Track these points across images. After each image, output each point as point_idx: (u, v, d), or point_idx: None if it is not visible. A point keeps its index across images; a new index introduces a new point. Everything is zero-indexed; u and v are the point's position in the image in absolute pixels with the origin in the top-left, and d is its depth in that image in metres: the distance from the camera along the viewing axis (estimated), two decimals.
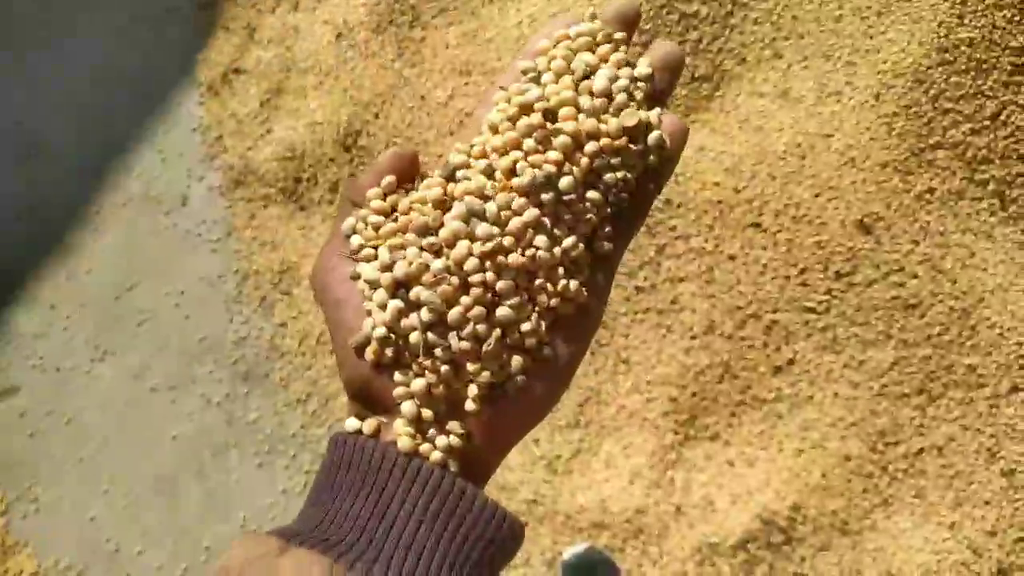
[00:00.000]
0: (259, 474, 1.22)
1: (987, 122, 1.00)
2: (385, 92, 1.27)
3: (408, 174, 0.38)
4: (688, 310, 1.07)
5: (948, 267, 1.00)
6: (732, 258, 1.06)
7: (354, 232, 0.38)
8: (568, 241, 0.35)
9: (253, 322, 1.28)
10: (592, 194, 0.36)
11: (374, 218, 0.37)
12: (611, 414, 1.08)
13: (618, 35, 0.39)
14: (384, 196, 0.38)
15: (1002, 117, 1.00)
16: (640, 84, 0.37)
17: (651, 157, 0.37)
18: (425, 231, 0.36)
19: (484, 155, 0.37)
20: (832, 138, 1.04)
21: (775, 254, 1.04)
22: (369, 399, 0.36)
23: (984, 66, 1.00)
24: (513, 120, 0.37)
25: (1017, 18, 0.99)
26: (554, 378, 0.36)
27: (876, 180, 1.01)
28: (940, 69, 1.01)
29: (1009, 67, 1.00)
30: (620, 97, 0.37)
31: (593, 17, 0.38)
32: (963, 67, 1.00)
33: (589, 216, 0.36)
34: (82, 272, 1.33)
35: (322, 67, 1.33)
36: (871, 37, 1.05)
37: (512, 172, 0.36)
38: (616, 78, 0.37)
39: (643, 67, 0.38)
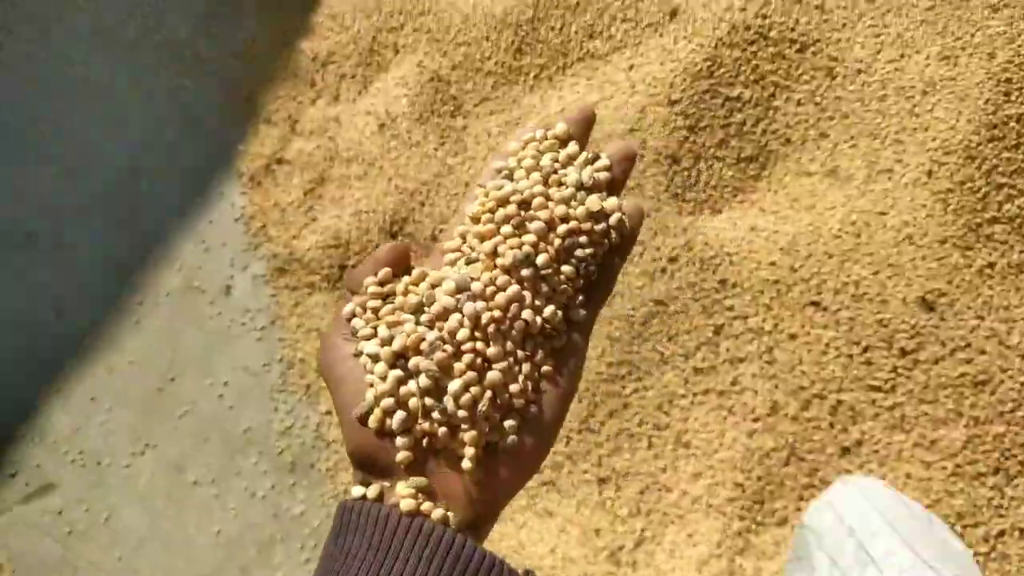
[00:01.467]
0: (306, 570, 1.17)
1: None
2: (429, 180, 1.27)
3: (402, 264, 0.44)
4: (750, 391, 1.05)
5: (1015, 342, 0.97)
6: (793, 337, 1.04)
7: (354, 316, 0.42)
8: (548, 310, 0.41)
9: (298, 411, 1.25)
10: (566, 268, 0.42)
11: (372, 302, 0.42)
12: (673, 501, 1.04)
13: (574, 138, 0.47)
14: (381, 284, 0.43)
15: None
16: (600, 175, 0.44)
17: (613, 235, 0.43)
18: (419, 308, 0.41)
19: (465, 241, 0.44)
20: (887, 216, 1.03)
21: (837, 333, 1.02)
22: (373, 467, 0.39)
23: None
24: (492, 211, 0.43)
25: None
26: (542, 434, 0.40)
27: (935, 256, 1.00)
28: (991, 145, 1.01)
29: None
30: (585, 186, 0.44)
31: (551, 125, 0.47)
32: (1013, 142, 1.00)
33: (564, 287, 0.42)
34: (123, 364, 1.31)
35: (365, 157, 1.33)
36: (917, 115, 1.06)
37: (494, 254, 0.42)
38: (581, 170, 0.44)
39: (602, 160, 0.45)
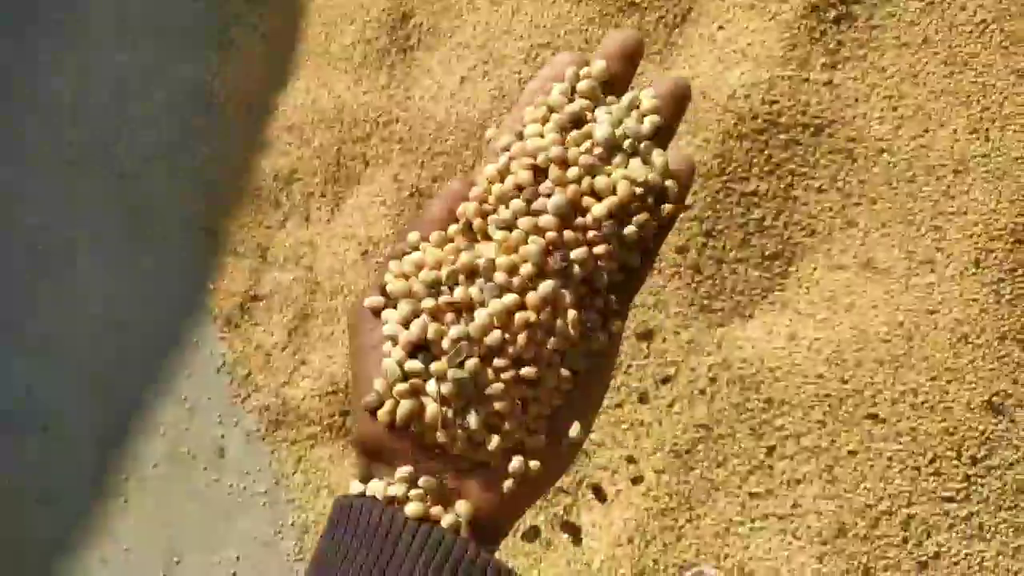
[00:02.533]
0: None
1: None
2: None
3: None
4: (813, 513, 0.97)
5: None
6: (852, 453, 0.96)
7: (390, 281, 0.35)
8: (590, 315, 0.34)
9: None
10: (600, 250, 0.34)
11: (408, 264, 0.35)
12: None
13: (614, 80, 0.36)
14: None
15: None
16: (644, 126, 0.35)
17: (663, 208, 0.34)
18: (437, 286, 0.34)
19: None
20: (937, 314, 0.95)
21: (899, 445, 0.94)
22: (380, 457, 0.34)
23: None
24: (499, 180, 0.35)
25: None
26: (568, 445, 0.34)
27: (995, 355, 0.93)
28: None
29: None
30: (627, 145, 0.34)
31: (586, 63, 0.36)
32: None
33: (601, 275, 0.34)
34: (118, 553, 1.18)
35: (351, 287, 1.22)
36: (952, 197, 0.98)
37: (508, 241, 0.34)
38: (619, 123, 0.35)
39: (648, 101, 0.35)
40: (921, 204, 0.99)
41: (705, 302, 1.03)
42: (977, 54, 1.00)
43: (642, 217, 0.34)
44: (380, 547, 0.32)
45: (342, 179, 1.28)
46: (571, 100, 0.36)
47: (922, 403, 0.94)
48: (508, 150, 0.35)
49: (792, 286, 1.03)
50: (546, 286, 0.33)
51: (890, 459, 0.94)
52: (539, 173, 0.34)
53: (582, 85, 0.36)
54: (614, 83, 0.36)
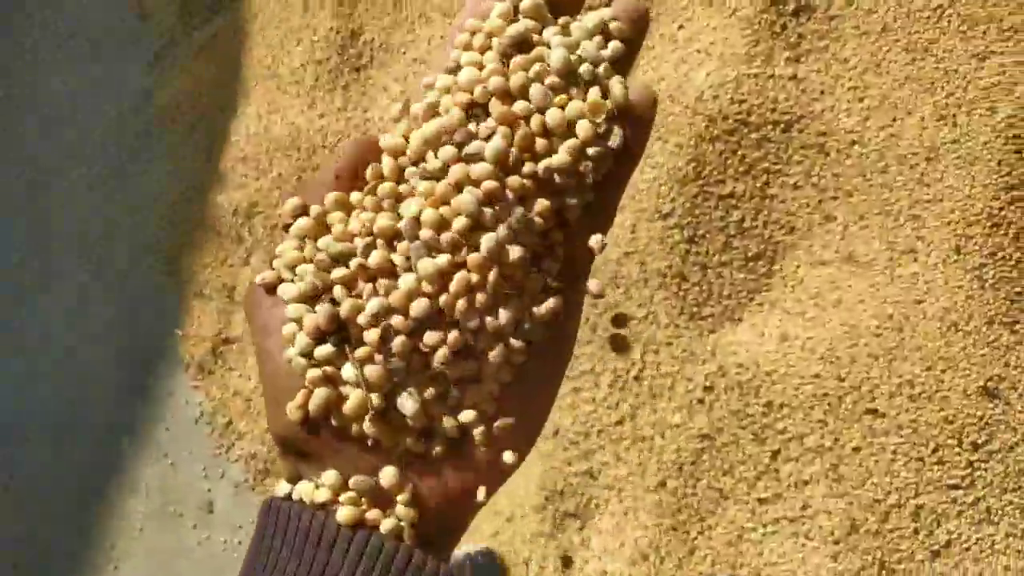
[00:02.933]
0: None
1: None
2: None
3: (373, 172, 0.30)
4: (823, 513, 0.97)
5: None
6: (856, 450, 0.96)
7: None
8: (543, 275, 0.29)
9: None
10: (543, 204, 0.28)
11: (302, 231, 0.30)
12: None
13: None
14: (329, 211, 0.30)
15: None
16: (604, 51, 0.29)
17: (617, 140, 0.28)
18: (345, 256, 0.29)
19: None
20: (924, 303, 0.96)
21: (901, 438, 0.95)
22: (306, 456, 0.29)
23: None
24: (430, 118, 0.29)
25: None
26: (526, 422, 0.29)
27: (986, 341, 0.94)
28: (1012, 208, 0.94)
29: None
30: (584, 71, 0.29)
31: None
32: None
33: (542, 225, 0.29)
34: None
35: None
36: (927, 185, 0.98)
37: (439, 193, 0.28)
38: (576, 46, 0.29)
39: (608, 19, 0.30)
40: (897, 194, 0.99)
41: (695, 309, 1.02)
42: (936, 40, 1.00)
43: (601, 162, 0.29)
44: (312, 555, 0.28)
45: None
46: (513, 21, 0.30)
47: (919, 394, 0.94)
48: (433, 87, 0.30)
49: (778, 285, 1.02)
50: (489, 239, 0.28)
51: (894, 452, 0.95)
52: (472, 111, 0.29)
53: (526, 3, 0.30)
54: (562, 2, 0.31)
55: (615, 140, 0.29)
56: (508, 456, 0.30)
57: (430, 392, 0.29)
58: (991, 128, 0.95)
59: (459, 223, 0.28)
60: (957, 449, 0.94)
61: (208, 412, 1.20)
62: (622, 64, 0.30)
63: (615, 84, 0.29)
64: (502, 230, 0.28)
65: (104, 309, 1.26)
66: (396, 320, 0.28)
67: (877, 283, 0.98)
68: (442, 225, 0.28)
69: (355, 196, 0.30)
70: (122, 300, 1.26)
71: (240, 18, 1.30)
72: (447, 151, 0.28)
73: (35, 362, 1.23)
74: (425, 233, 0.28)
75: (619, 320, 1.04)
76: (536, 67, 0.29)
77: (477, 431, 0.29)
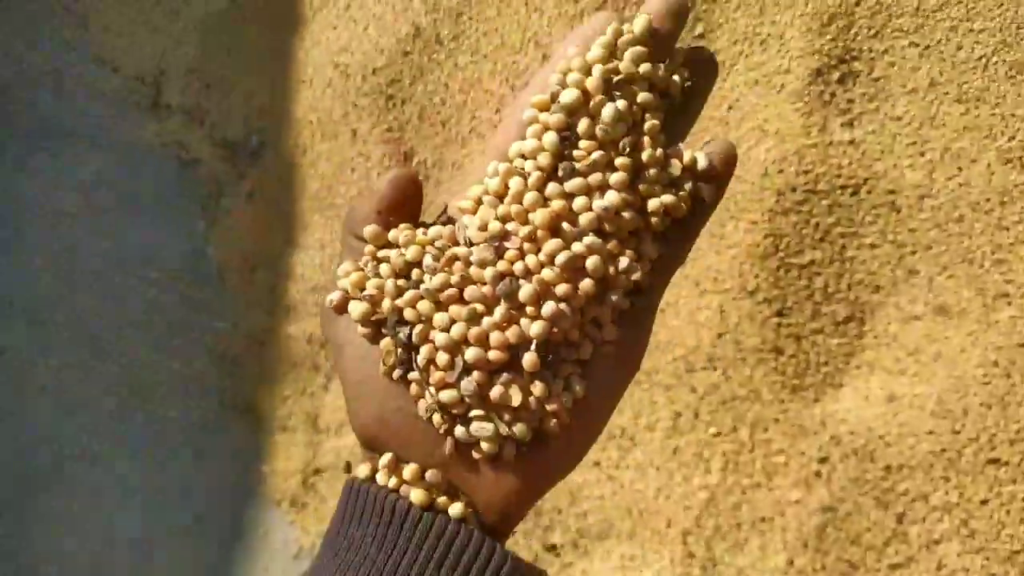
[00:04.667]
0: None
1: None
2: None
3: (414, 203, 0.35)
4: (960, 572, 0.94)
5: None
6: (984, 503, 0.94)
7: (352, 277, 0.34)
8: (623, 263, 0.32)
9: None
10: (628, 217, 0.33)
11: (370, 266, 0.34)
12: None
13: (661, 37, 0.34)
14: (379, 239, 0.34)
15: None
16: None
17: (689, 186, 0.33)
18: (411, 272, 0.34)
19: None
20: None
21: None
22: (384, 447, 0.33)
23: None
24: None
25: None
26: (593, 417, 0.33)
27: None
28: None
29: None
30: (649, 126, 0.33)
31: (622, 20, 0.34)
32: None
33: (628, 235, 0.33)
34: None
35: None
36: (1006, 228, 0.99)
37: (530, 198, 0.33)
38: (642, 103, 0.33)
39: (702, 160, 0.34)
40: (977, 241, 0.99)
41: (795, 382, 1.01)
42: (987, 87, 1.02)
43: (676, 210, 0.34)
44: (384, 535, 0.31)
45: None
46: (611, 57, 0.33)
47: None
48: (538, 110, 0.34)
49: (873, 346, 1.02)
50: (586, 285, 0.32)
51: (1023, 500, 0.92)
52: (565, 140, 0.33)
53: (628, 51, 0.33)
54: (660, 44, 0.34)
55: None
56: (577, 437, 0.34)
57: (504, 417, 0.32)
58: None
59: (561, 259, 0.32)
60: None
61: (307, 547, 1.17)
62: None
63: (700, 156, 0.34)
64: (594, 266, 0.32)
65: (179, 460, 1.25)
66: (473, 354, 0.32)
67: (974, 331, 0.98)
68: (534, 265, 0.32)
69: (434, 230, 0.34)
70: (198, 445, 1.25)
71: (288, 157, 1.33)
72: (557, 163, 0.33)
73: (111, 533, 1.21)
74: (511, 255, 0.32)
75: None
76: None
77: (543, 438, 0.33)
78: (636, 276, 0.33)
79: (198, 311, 1.33)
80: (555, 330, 0.32)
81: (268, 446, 1.24)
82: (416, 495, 0.32)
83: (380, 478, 0.33)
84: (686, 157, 0.34)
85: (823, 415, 1.00)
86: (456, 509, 0.32)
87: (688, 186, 0.33)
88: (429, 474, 0.33)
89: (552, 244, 0.32)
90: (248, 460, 1.24)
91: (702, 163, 0.33)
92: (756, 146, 1.07)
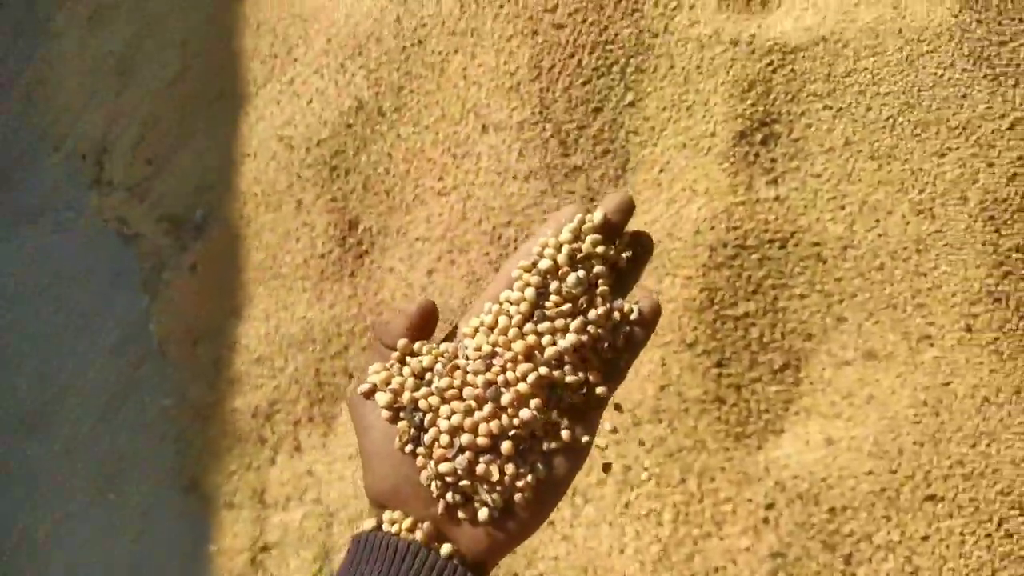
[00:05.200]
0: None
1: None
2: None
3: (430, 325, 0.47)
4: None
5: None
6: (925, 539, 0.96)
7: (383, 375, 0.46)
8: (571, 378, 0.45)
9: None
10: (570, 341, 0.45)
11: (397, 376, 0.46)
12: None
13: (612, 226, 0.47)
14: (406, 352, 0.46)
15: None
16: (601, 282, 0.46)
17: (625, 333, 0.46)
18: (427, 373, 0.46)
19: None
20: (952, 384, 0.99)
21: (965, 518, 0.96)
22: (389, 504, 0.43)
23: None
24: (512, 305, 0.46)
25: None
26: (546, 498, 0.44)
27: (1019, 408, 0.97)
28: (1006, 281, 1.00)
29: None
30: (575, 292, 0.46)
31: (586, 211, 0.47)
32: (1023, 271, 1.01)
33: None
34: None
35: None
36: (924, 275, 1.04)
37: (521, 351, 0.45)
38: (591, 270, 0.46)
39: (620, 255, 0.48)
40: (898, 287, 1.04)
41: (738, 430, 1.03)
42: (896, 145, 1.09)
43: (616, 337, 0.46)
44: (390, 567, 0.40)
45: (328, 398, 1.22)
46: (578, 241, 0.46)
47: (971, 472, 0.96)
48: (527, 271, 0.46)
49: (809, 391, 1.05)
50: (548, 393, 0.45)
51: (961, 534, 0.95)
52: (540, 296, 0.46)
53: (589, 237, 0.46)
54: (612, 230, 0.47)
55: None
56: (537, 511, 0.44)
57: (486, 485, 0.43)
58: (967, 215, 1.03)
59: (532, 379, 0.44)
60: (1021, 519, 0.94)
61: None
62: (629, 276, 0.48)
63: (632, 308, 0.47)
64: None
65: (128, 544, 1.20)
66: (466, 439, 0.43)
67: (902, 373, 1.02)
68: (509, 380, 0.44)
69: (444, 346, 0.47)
70: (146, 532, 1.20)
71: (231, 228, 1.33)
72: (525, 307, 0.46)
73: None
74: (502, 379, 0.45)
75: (606, 468, 1.04)
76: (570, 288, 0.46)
77: (512, 506, 0.43)
78: (583, 391, 0.45)
79: (140, 387, 1.30)
80: (525, 428, 0.43)
81: (214, 524, 1.20)
82: (419, 535, 0.42)
83: (385, 527, 0.43)
84: (625, 308, 0.46)
85: (767, 461, 1.02)
86: (446, 548, 0.42)
87: (625, 330, 0.45)
88: (424, 526, 0.42)
89: (525, 367, 0.43)
90: (194, 539, 1.20)
91: (635, 314, 0.46)
92: (687, 205, 1.11)
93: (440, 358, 0.45)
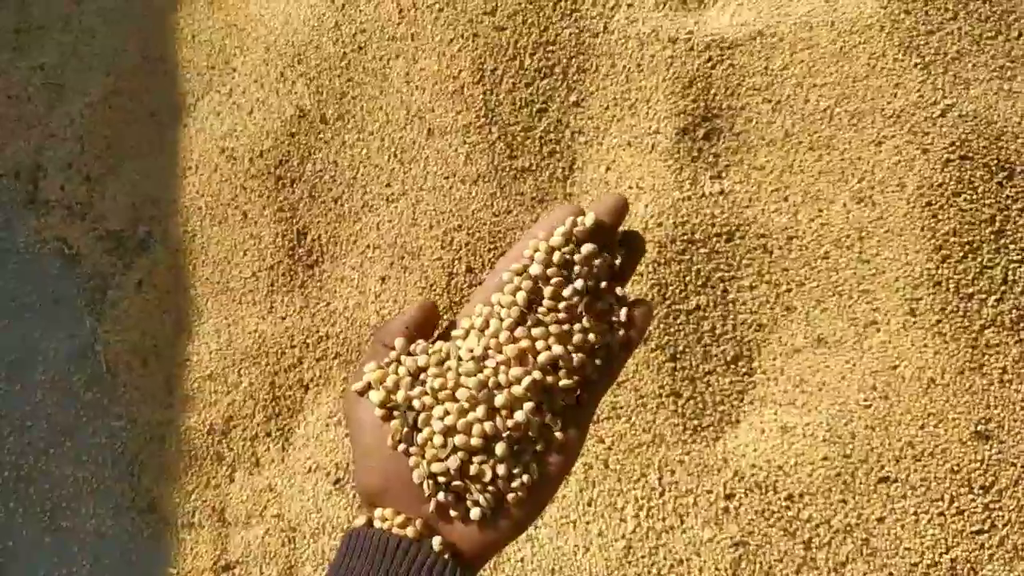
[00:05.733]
0: None
1: (1003, 287, 1.03)
2: None
3: (431, 325, 0.47)
4: None
5: None
6: (881, 520, 0.98)
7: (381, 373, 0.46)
8: (564, 381, 0.44)
9: None
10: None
11: (393, 375, 0.45)
12: None
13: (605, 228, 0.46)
14: (405, 351, 0.46)
15: (1011, 278, 1.03)
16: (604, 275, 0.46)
17: (620, 332, 0.45)
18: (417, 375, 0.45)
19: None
20: (899, 368, 1.01)
21: (918, 498, 0.97)
22: (380, 501, 0.43)
23: (973, 246, 1.03)
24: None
25: (982, 192, 1.04)
26: (539, 498, 0.44)
27: (964, 388, 0.99)
28: (945, 265, 1.02)
29: (992, 237, 1.03)
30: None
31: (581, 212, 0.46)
32: (960, 254, 1.03)
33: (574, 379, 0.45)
34: None
35: (334, 521, 1.12)
36: (867, 261, 1.05)
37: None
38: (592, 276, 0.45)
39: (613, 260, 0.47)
40: (843, 274, 1.06)
41: (695, 422, 1.04)
42: (834, 135, 1.10)
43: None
44: (380, 561, 0.40)
45: (284, 411, 1.19)
46: (569, 244, 0.45)
47: (922, 453, 0.98)
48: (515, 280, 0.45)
49: (763, 381, 1.06)
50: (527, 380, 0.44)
51: (915, 513, 0.97)
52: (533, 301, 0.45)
53: (584, 248, 0.45)
54: (605, 232, 0.46)
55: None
56: (529, 510, 0.44)
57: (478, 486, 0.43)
58: (905, 201, 1.04)
59: (518, 389, 0.44)
60: (971, 496, 0.96)
61: None
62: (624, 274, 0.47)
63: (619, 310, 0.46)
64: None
65: (85, 571, 1.16)
66: (459, 439, 0.43)
67: (851, 358, 1.03)
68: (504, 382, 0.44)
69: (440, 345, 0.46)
70: (102, 557, 1.16)
71: (176, 244, 1.29)
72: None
73: None
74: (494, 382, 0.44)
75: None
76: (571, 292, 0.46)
77: (504, 504, 0.43)
78: (578, 394, 0.44)
79: (91, 411, 1.25)
80: (519, 430, 0.43)
81: (173, 546, 1.17)
82: (410, 531, 0.42)
83: (376, 524, 0.42)
84: (620, 314, 0.45)
85: (724, 452, 1.02)
86: (436, 543, 0.42)
87: (619, 334, 0.45)
88: (416, 523, 0.42)
89: (518, 370, 0.43)
90: (153, 563, 1.17)
91: (623, 316, 0.45)
92: (635, 202, 1.11)
93: (434, 356, 0.45)
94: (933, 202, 1.04)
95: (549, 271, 0.45)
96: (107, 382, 1.26)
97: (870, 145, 1.08)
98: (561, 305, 0.44)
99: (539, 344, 0.44)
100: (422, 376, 0.44)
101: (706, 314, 1.07)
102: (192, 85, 1.35)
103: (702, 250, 1.08)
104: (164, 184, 1.31)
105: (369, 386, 0.45)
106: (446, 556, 0.41)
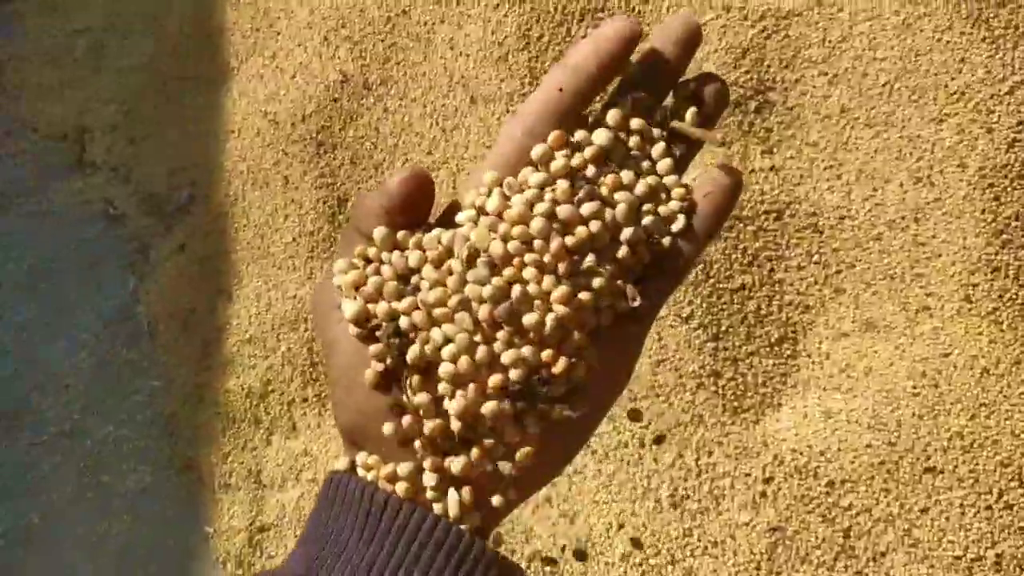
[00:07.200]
0: None
1: None
2: None
3: (424, 204, 0.32)
4: None
5: None
6: (924, 511, 0.94)
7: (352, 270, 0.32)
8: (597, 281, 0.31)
9: None
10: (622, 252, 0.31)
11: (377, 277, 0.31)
12: None
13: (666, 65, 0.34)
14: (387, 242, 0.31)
15: None
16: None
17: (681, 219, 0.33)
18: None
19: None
20: (951, 356, 0.96)
21: (965, 490, 0.93)
22: (366, 443, 0.32)
23: None
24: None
25: None
26: (571, 446, 0.32)
27: (1018, 379, 0.94)
28: (1006, 251, 0.97)
29: None
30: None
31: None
32: (1022, 239, 0.97)
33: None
34: None
35: None
36: (923, 244, 1.00)
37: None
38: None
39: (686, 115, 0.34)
40: (896, 257, 1.01)
41: (735, 404, 1.01)
42: (893, 112, 1.04)
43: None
44: (364, 525, 0.30)
45: (321, 377, 1.18)
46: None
47: (971, 444, 0.93)
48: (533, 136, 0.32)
49: (807, 364, 1.02)
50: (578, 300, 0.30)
51: (961, 506, 0.93)
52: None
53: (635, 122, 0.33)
54: (665, 72, 0.33)
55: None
56: (564, 446, 0.33)
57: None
58: (966, 182, 0.99)
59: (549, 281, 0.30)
60: (1021, 490, 0.92)
61: None
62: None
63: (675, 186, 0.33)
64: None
65: (122, 526, 1.17)
66: (471, 390, 0.30)
67: (901, 344, 0.99)
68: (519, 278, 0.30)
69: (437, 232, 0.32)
70: (141, 515, 1.17)
71: (218, 208, 1.28)
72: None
73: None
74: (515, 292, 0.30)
75: (634, 414, 1.02)
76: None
77: (509, 463, 0.31)
78: (636, 303, 0.31)
79: (130, 371, 1.26)
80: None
81: (210, 505, 1.17)
82: (400, 487, 0.31)
83: (360, 472, 0.32)
84: (686, 184, 0.33)
85: (764, 435, 0.99)
86: (439, 507, 0.31)
87: (681, 220, 0.32)
88: (402, 468, 0.31)
89: (552, 280, 0.30)
90: (190, 522, 1.17)
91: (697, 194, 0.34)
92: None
93: (431, 251, 0.31)
94: (996, 184, 0.98)
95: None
96: (146, 343, 1.26)
97: (931, 123, 1.02)
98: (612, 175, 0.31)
99: (580, 231, 0.30)
100: (414, 280, 0.31)
101: (751, 294, 1.03)
102: (236, 48, 1.33)
103: (750, 227, 1.04)
104: (206, 148, 1.30)
105: (340, 292, 0.32)
106: (449, 516, 0.31)
